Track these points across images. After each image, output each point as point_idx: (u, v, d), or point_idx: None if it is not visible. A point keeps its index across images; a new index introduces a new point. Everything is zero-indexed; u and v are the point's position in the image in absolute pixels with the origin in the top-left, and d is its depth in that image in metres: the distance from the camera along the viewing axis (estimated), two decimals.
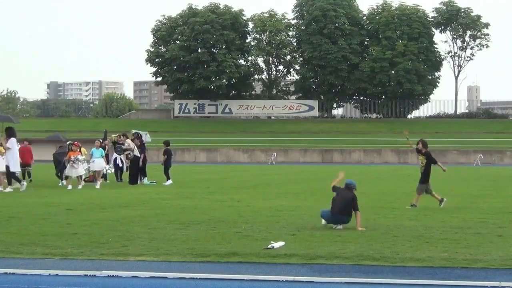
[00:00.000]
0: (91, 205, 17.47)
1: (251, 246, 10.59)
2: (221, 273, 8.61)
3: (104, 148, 27.68)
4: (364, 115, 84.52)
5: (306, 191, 23.04)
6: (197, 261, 9.46)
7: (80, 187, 23.89)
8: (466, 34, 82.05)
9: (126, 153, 27.58)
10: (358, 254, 9.80)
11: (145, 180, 27.31)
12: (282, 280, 8.30)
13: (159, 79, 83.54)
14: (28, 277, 8.56)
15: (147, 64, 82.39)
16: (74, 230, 12.42)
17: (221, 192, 22.52)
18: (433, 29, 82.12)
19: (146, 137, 29.62)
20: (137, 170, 27.04)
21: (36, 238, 11.42)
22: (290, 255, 9.73)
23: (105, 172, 26.91)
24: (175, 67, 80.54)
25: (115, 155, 28.54)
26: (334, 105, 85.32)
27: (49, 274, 8.66)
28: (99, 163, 25.43)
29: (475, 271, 8.83)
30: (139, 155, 27.05)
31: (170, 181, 26.67)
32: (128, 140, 27.75)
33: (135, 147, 27.23)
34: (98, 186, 24.34)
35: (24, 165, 28.97)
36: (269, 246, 10.39)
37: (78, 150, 24.84)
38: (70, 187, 23.84)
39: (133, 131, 30.02)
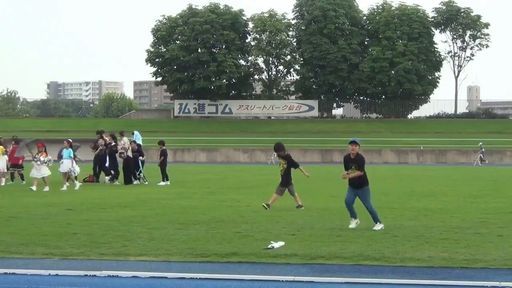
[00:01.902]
0: (91, 205, 17.47)
1: (251, 246, 10.59)
2: (221, 273, 8.62)
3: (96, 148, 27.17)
4: (364, 115, 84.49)
5: (306, 191, 23.02)
6: (197, 261, 9.47)
7: (57, 188, 23.22)
8: (466, 34, 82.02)
9: (120, 151, 27.17)
10: (358, 254, 9.80)
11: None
12: (282, 280, 8.30)
13: (159, 79, 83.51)
14: (28, 277, 8.56)
15: (147, 64, 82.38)
16: (74, 230, 12.43)
17: (221, 192, 22.51)
18: (433, 29, 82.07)
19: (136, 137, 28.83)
20: (130, 170, 26.82)
21: (36, 238, 11.42)
22: (290, 255, 9.73)
23: (73, 174, 24.88)
24: (175, 67, 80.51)
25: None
26: (334, 105, 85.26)
27: (49, 274, 8.67)
28: (66, 164, 24.30)
29: (475, 271, 8.83)
30: (131, 156, 26.76)
31: (167, 182, 26.62)
32: (125, 139, 27.44)
33: (130, 147, 26.94)
34: (64, 188, 23.45)
35: (13, 166, 27.45)
36: (269, 246, 10.39)
37: (43, 150, 23.77)
38: (34, 188, 22.93)
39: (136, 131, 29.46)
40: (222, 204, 17.81)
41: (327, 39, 79.03)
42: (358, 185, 13.02)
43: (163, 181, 26.75)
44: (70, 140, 25.44)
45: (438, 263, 9.23)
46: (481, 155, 57.25)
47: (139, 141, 28.62)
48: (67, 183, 24.20)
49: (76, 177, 24.89)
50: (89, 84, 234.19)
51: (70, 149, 24.68)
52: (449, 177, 33.91)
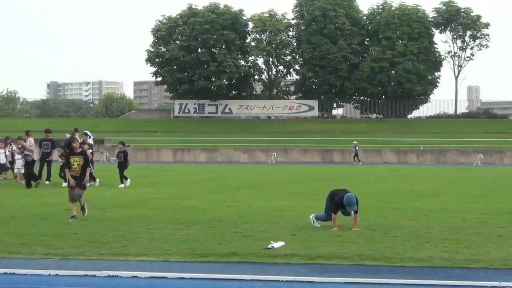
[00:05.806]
0: (91, 205, 17.43)
1: (251, 246, 10.59)
2: (221, 273, 8.62)
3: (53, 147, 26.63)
4: (364, 115, 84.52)
5: (306, 191, 23.03)
6: (197, 261, 9.47)
7: None
8: (466, 34, 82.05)
9: (26, 153, 25.87)
10: (358, 254, 9.80)
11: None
12: (282, 280, 8.30)
13: (159, 79, 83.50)
14: (28, 277, 8.56)
15: (147, 64, 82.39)
16: (74, 230, 12.43)
17: (221, 192, 22.50)
18: (433, 29, 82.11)
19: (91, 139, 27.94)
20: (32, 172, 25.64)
21: (36, 238, 11.42)
22: (290, 255, 9.73)
23: None
24: (175, 67, 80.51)
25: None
26: (334, 105, 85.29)
27: (49, 274, 8.67)
28: None
29: (475, 271, 8.83)
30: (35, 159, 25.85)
31: (128, 181, 25.32)
32: (31, 140, 26.36)
33: (34, 149, 25.89)
34: None
35: None
36: (269, 246, 10.39)
37: None
38: None
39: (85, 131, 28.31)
40: (222, 204, 17.80)
41: (327, 39, 79.04)
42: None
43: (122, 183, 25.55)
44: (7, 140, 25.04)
45: (438, 263, 9.23)
46: (356, 154, 57.32)
47: (91, 140, 27.66)
48: None
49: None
50: (89, 84, 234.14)
51: None
52: (449, 177, 33.90)
